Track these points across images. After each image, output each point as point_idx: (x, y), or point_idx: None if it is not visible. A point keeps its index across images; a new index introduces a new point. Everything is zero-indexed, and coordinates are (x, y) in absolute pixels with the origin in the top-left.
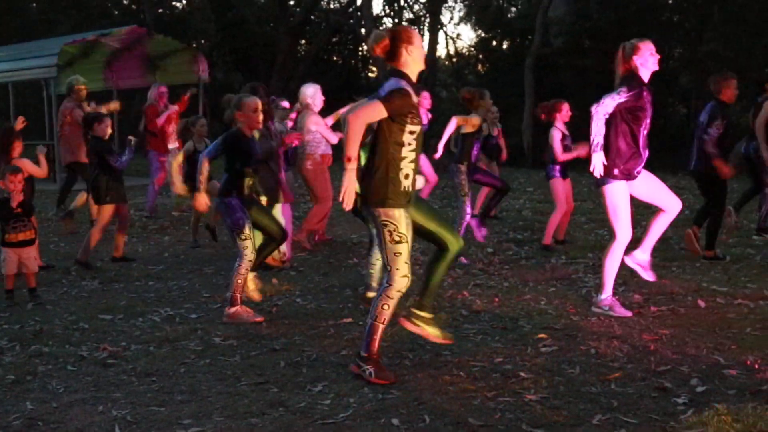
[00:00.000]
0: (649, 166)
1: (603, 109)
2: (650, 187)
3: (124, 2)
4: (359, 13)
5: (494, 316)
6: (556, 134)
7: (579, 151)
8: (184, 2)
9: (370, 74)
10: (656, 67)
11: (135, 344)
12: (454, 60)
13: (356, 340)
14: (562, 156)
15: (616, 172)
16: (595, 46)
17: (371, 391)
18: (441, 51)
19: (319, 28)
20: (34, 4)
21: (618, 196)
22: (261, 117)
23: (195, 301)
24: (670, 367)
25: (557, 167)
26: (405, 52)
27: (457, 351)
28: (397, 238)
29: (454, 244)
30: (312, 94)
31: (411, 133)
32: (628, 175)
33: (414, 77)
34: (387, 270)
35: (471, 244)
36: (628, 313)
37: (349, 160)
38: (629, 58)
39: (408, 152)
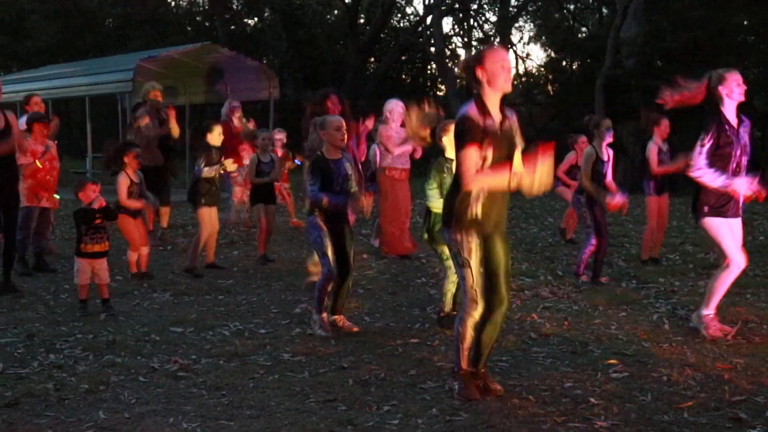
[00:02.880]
0: None
1: (700, 170)
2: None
3: (198, 18)
4: (429, 32)
5: (563, 339)
6: (653, 148)
7: (676, 166)
8: (256, 19)
9: (438, 92)
10: (742, 99)
11: (205, 358)
12: (524, 80)
13: (424, 361)
14: (657, 169)
15: (706, 209)
16: (667, 67)
17: (440, 413)
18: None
19: (389, 46)
20: (110, 20)
21: (715, 229)
22: (344, 135)
23: (264, 317)
24: (745, 398)
25: (652, 183)
26: (479, 73)
27: (526, 374)
28: (460, 262)
29: (504, 303)
30: (390, 108)
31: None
32: (719, 213)
33: (491, 101)
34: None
35: (539, 266)
36: (719, 335)
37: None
38: (715, 89)
39: None
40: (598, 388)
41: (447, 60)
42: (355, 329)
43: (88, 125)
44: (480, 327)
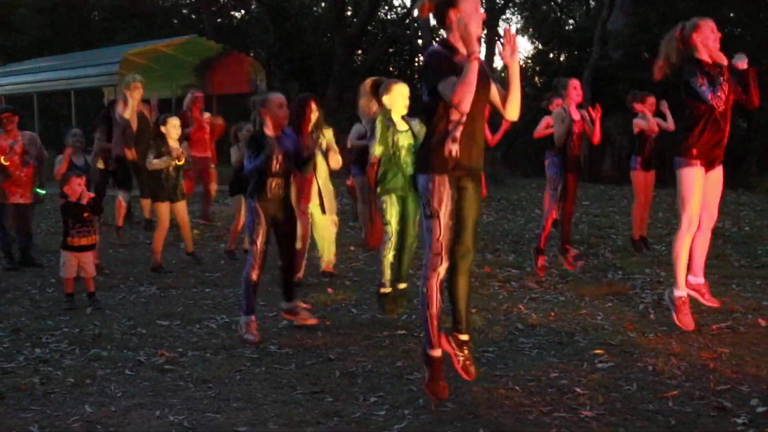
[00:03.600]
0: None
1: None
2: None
3: (184, 11)
4: (416, 25)
5: (550, 330)
6: (637, 122)
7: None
8: (243, 12)
9: None
10: (717, 46)
11: (192, 350)
12: None
13: (411, 352)
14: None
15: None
16: (654, 59)
17: (426, 403)
18: (498, 62)
19: (376, 39)
20: (96, 13)
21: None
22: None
23: None
24: (730, 387)
25: (638, 159)
26: (452, 15)
27: (513, 365)
28: (428, 213)
29: (470, 253)
30: None
31: None
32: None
33: (462, 45)
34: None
35: (525, 258)
36: (686, 325)
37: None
38: (689, 37)
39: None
40: (583, 378)
41: None
42: (312, 321)
43: (74, 119)
44: (450, 283)
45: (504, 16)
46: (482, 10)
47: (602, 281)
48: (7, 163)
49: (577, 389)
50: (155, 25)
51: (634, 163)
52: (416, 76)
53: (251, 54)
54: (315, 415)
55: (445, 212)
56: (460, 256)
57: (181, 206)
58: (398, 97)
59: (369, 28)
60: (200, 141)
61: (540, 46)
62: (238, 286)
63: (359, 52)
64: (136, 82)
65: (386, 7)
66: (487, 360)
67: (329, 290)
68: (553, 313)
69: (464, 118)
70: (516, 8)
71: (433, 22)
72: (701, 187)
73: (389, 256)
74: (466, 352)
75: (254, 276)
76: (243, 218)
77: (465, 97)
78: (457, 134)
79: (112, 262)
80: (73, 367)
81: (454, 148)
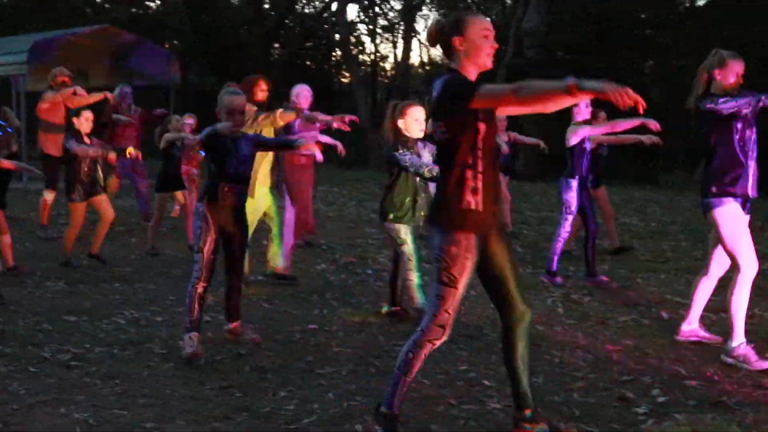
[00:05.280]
0: (624, 178)
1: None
2: None
3: (97, 0)
4: (333, 19)
5: (459, 324)
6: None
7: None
8: (159, 2)
9: (342, 79)
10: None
11: (99, 346)
12: (428, 68)
13: (322, 346)
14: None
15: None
16: (569, 58)
17: (336, 397)
18: (414, 59)
19: (294, 32)
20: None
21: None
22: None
23: (161, 304)
24: (633, 378)
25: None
26: (457, 43)
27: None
28: (445, 279)
29: (526, 315)
30: (297, 92)
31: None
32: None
33: (472, 77)
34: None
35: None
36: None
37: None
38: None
39: None
40: (492, 370)
41: (352, 47)
42: (256, 340)
43: None
44: (509, 354)
45: (421, 13)
46: (492, 41)
47: None
48: None
49: (485, 382)
50: (65, 14)
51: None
52: (333, 71)
53: (167, 46)
54: (224, 410)
55: (464, 282)
56: (516, 322)
57: (102, 200)
58: (413, 121)
59: (287, 21)
60: (129, 137)
61: None
62: (147, 281)
63: (276, 45)
64: (63, 75)
65: (304, 1)
66: (396, 354)
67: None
68: (463, 307)
69: (485, 161)
70: (433, 5)
71: (351, 17)
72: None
73: (415, 279)
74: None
75: (200, 288)
76: (159, 215)
77: (526, 90)
78: (479, 181)
79: (19, 256)
80: None
81: (474, 200)
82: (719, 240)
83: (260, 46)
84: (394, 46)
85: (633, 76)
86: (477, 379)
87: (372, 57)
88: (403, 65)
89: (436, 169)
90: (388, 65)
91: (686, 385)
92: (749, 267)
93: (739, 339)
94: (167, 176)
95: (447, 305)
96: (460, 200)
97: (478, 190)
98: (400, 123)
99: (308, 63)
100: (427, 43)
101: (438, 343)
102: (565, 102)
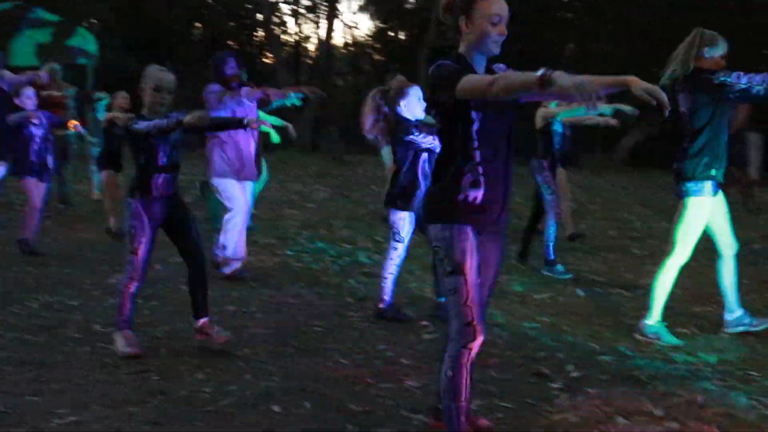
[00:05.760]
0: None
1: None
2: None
3: None
4: None
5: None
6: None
7: None
8: None
9: (265, 60)
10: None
11: (11, 332)
12: (351, 49)
13: (239, 328)
14: None
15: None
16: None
17: (253, 379)
18: (338, 39)
19: (216, 12)
20: None
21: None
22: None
23: (77, 288)
24: (547, 354)
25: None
26: (462, 25)
27: (341, 338)
28: (449, 268)
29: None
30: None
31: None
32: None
33: (476, 63)
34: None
35: (358, 233)
36: (677, 342)
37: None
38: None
39: None
40: (409, 349)
41: (274, 28)
42: (222, 339)
43: None
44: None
45: None
46: (505, 20)
47: (429, 255)
48: None
49: (403, 360)
50: None
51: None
52: (259, 51)
53: (84, 24)
54: (139, 394)
55: (471, 266)
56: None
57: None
58: (416, 101)
59: (209, 1)
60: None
61: (380, 24)
62: (63, 265)
63: (199, 25)
64: None
65: None
66: (315, 334)
67: (157, 267)
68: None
69: (485, 152)
70: None
71: None
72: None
73: (395, 273)
74: None
75: (132, 288)
76: (113, 195)
77: (500, 84)
78: (479, 174)
79: None
80: None
81: (477, 193)
82: (676, 221)
83: (182, 25)
84: (317, 27)
85: (554, 58)
86: (395, 358)
87: (295, 38)
88: (326, 46)
89: None
90: (311, 46)
91: (600, 360)
92: (684, 257)
93: (654, 318)
94: (110, 154)
95: (464, 297)
96: (457, 192)
97: (478, 183)
98: (403, 104)
99: (231, 43)
100: (347, 25)
101: (475, 345)
102: (538, 94)
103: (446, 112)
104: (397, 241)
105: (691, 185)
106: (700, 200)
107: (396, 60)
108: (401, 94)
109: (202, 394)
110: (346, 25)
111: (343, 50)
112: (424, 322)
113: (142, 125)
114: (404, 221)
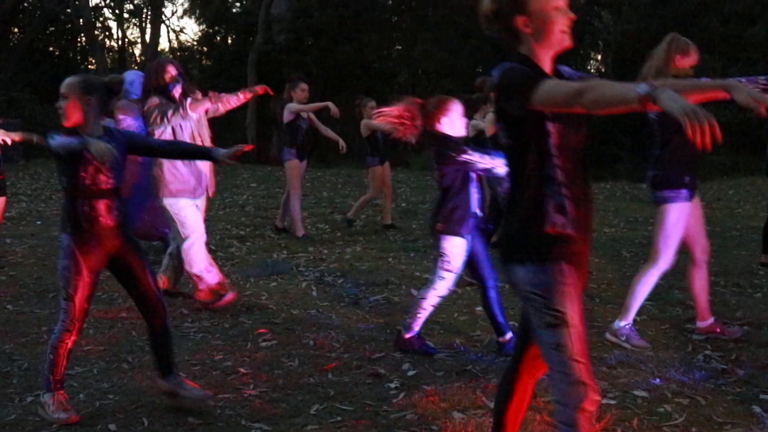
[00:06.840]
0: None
1: None
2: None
3: None
4: (77, 2)
5: (215, 314)
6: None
7: None
8: None
9: (89, 66)
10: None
11: None
12: (179, 54)
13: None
14: None
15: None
16: (316, 43)
17: (87, 398)
18: (164, 44)
19: (34, 16)
20: None
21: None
22: None
23: None
24: (384, 354)
25: (294, 150)
26: (520, 23)
27: (178, 350)
28: (549, 320)
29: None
30: (131, 80)
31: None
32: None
33: (544, 63)
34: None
35: None
36: (645, 345)
37: None
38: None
39: None
40: (247, 357)
41: (97, 32)
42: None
43: None
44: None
45: None
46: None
47: (267, 262)
48: None
49: (241, 369)
50: None
51: (288, 155)
52: (78, 58)
53: None
54: None
55: (576, 314)
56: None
57: None
58: (458, 117)
59: (26, 4)
60: None
61: (206, 29)
62: None
63: (15, 30)
64: None
65: None
66: (149, 350)
67: None
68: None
69: (567, 170)
70: None
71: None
72: None
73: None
74: None
75: (69, 343)
76: None
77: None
78: (565, 197)
79: None
80: None
81: (562, 220)
82: (657, 229)
83: None
84: (143, 32)
85: (380, 60)
86: (233, 368)
87: (120, 43)
88: (152, 51)
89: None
90: (137, 51)
91: (434, 357)
92: (666, 263)
93: (627, 320)
94: None
95: (570, 352)
96: (543, 222)
97: (565, 208)
98: (445, 122)
99: (51, 49)
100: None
101: (591, 407)
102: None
103: (517, 124)
104: (447, 270)
105: (667, 192)
106: (678, 206)
107: (224, 65)
108: (443, 110)
109: (31, 419)
110: (171, 29)
111: (170, 55)
112: (262, 330)
113: None
114: (458, 249)
